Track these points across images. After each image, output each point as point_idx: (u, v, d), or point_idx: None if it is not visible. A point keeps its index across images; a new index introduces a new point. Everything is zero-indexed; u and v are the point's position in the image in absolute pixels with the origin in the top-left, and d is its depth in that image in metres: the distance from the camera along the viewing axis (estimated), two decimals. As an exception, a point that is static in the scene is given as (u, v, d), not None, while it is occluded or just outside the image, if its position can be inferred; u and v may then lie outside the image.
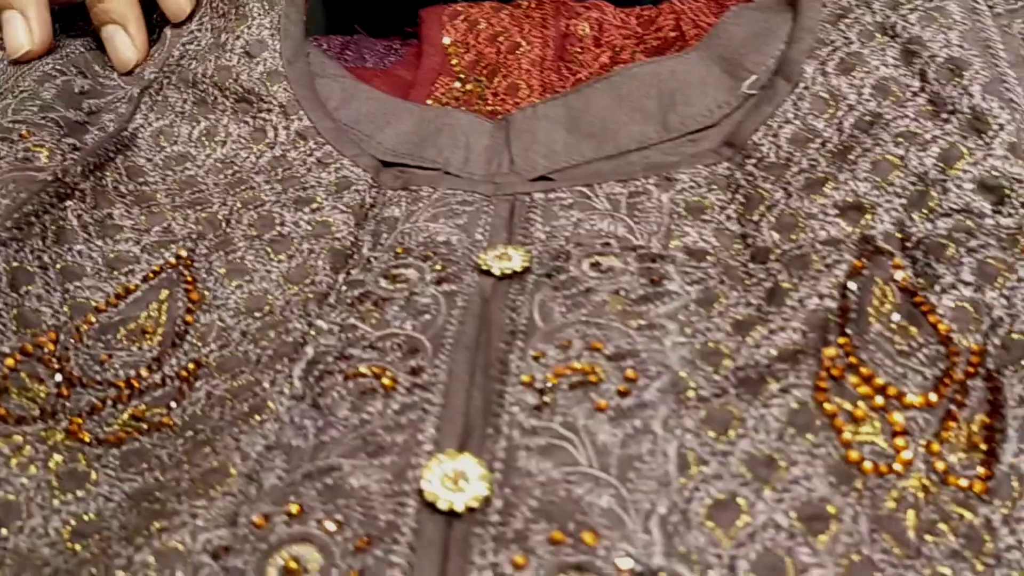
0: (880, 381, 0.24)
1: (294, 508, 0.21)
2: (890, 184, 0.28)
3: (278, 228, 0.33)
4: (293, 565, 0.20)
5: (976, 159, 0.28)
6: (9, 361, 0.27)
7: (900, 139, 0.29)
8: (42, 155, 0.33)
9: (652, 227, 0.30)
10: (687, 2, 0.42)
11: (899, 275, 0.26)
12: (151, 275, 0.31)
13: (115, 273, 0.30)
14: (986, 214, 0.27)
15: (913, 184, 0.28)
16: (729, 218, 0.30)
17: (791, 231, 0.29)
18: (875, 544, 0.21)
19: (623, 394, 0.24)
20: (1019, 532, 0.21)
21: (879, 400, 0.24)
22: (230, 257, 0.31)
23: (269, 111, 0.37)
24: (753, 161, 0.31)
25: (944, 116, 0.29)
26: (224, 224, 0.33)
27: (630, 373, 0.24)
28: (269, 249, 0.32)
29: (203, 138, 0.37)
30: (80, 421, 0.26)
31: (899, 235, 0.27)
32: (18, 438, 0.24)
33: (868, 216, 0.28)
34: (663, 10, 0.42)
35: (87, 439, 0.25)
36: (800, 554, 0.20)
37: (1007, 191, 0.27)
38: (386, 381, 0.25)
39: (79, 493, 0.23)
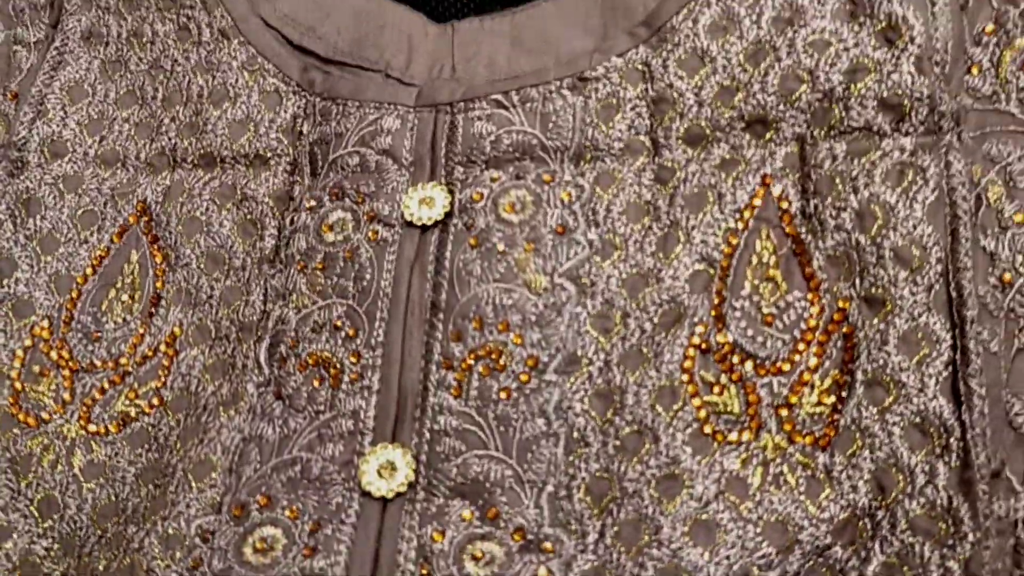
0: (741, 352, 0.27)
1: (263, 500, 0.27)
2: (796, 100, 0.28)
3: (219, 165, 0.34)
4: (262, 545, 0.26)
5: (881, 76, 0.27)
6: (18, 360, 0.31)
7: (812, 48, 0.28)
8: None
9: (565, 136, 0.31)
10: None
11: (787, 224, 0.28)
12: (115, 237, 0.34)
13: (86, 232, 0.34)
14: (885, 133, 0.27)
15: (819, 101, 0.28)
16: (639, 115, 0.30)
17: (698, 142, 0.30)
18: (719, 509, 0.26)
19: (524, 379, 0.28)
20: (855, 478, 0.25)
21: (737, 372, 0.27)
22: (187, 210, 0.34)
23: (192, 7, 0.36)
24: (668, 48, 0.30)
25: (861, 20, 0.28)
26: (171, 156, 0.35)
27: (533, 353, 0.28)
28: (220, 196, 0.34)
29: (131, 38, 0.37)
30: (87, 409, 0.31)
31: (799, 156, 0.28)
32: (44, 439, 0.30)
33: (772, 131, 0.29)
34: None
35: (99, 430, 0.31)
36: (651, 521, 0.25)
37: (907, 109, 0.27)
38: (333, 370, 0.29)
39: (100, 480, 0.30)
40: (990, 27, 0.27)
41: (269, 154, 0.34)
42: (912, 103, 0.27)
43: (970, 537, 0.24)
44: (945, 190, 0.26)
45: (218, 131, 0.34)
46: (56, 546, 0.29)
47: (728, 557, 0.25)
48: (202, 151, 0.35)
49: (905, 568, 0.24)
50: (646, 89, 0.31)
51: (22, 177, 0.34)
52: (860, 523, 0.25)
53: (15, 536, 0.29)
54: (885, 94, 0.27)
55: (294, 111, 0.34)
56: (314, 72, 0.35)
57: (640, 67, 0.31)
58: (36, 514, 0.30)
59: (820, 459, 0.26)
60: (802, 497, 0.26)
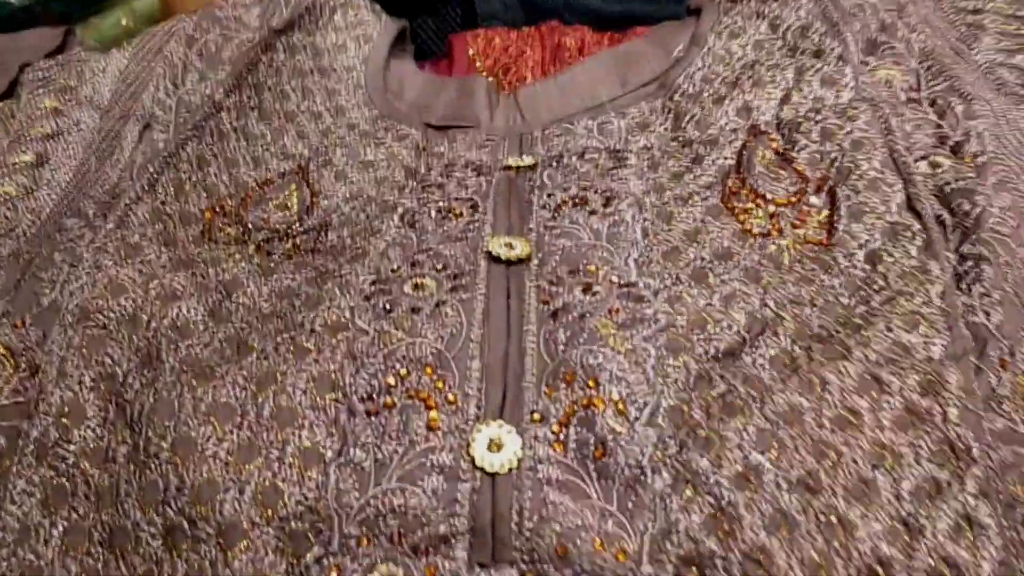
0: (761, 192, 0.39)
1: (412, 263, 0.35)
2: (767, 93, 0.44)
3: (363, 156, 0.47)
4: (419, 287, 0.34)
5: (818, 68, 0.44)
6: (208, 214, 0.41)
7: (770, 70, 0.45)
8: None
9: (615, 138, 0.45)
10: (643, 29, 0.59)
11: (773, 144, 0.41)
12: (280, 175, 0.45)
13: (258, 168, 0.45)
14: (828, 98, 0.42)
15: (781, 91, 0.44)
16: (665, 128, 0.45)
17: (706, 128, 0.44)
18: (763, 267, 0.35)
19: (605, 206, 0.38)
20: (852, 260, 0.35)
21: (760, 201, 0.38)
22: (335, 170, 0.46)
23: (348, 99, 0.52)
24: (678, 93, 0.47)
25: (798, 54, 0.46)
26: (324, 152, 0.47)
27: (608, 196, 0.39)
28: (360, 166, 0.46)
29: (300, 97, 0.51)
30: (263, 246, 0.39)
31: (775, 122, 0.42)
32: (230, 248, 0.38)
33: (754, 113, 0.43)
34: (627, 34, 0.58)
35: (272, 254, 0.39)
36: (715, 270, 0.34)
37: (840, 83, 0.43)
38: (455, 212, 0.39)
39: (275, 276, 0.37)
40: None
41: (398, 152, 0.48)
42: (843, 79, 0.43)
43: (936, 272, 0.33)
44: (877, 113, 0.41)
45: (363, 144, 0.48)
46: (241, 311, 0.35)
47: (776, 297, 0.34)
48: (348, 150, 0.48)
49: (900, 300, 0.33)
50: (667, 115, 0.47)
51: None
52: (861, 284, 0.34)
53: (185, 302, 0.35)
54: (823, 77, 0.44)
55: (418, 142, 0.49)
56: (431, 130, 0.50)
57: (660, 105, 0.47)
58: (224, 291, 0.36)
59: (824, 254, 0.36)
60: (816, 273, 0.35)
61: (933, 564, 0.28)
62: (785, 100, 0.43)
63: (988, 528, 0.28)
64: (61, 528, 0.29)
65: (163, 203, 0.40)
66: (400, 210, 0.41)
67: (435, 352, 0.32)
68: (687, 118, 0.45)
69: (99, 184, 0.44)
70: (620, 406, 0.30)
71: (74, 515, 0.29)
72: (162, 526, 0.28)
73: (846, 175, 0.39)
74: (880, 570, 0.28)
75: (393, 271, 0.36)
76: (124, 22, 1.11)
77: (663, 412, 0.30)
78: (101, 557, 0.29)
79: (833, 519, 0.28)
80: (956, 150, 0.40)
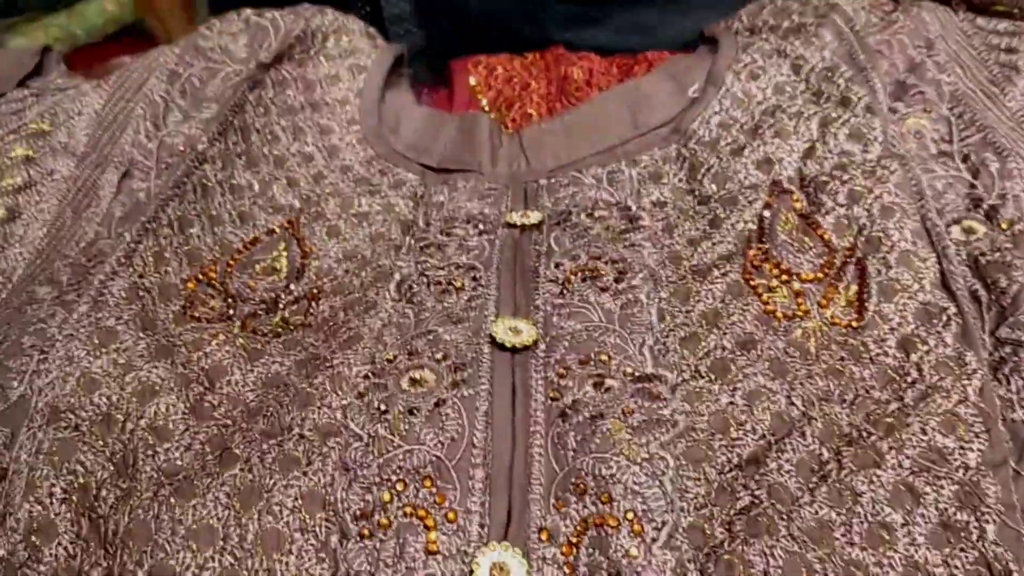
0: (785, 266, 0.36)
1: (409, 352, 0.33)
2: (790, 145, 0.41)
3: (357, 208, 0.44)
4: (416, 382, 0.31)
5: (845, 119, 0.41)
6: (191, 284, 0.38)
7: (792, 118, 0.42)
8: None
9: (626, 191, 0.42)
10: (653, 55, 0.55)
11: (797, 205, 0.39)
12: (268, 232, 0.42)
13: (244, 225, 0.42)
14: (855, 153, 0.40)
15: (805, 143, 0.41)
16: (680, 180, 0.42)
17: (724, 182, 0.41)
18: (788, 358, 0.32)
19: (618, 280, 0.36)
20: (884, 346, 0.33)
21: (784, 277, 0.36)
22: (327, 225, 0.43)
23: (342, 136, 0.49)
24: (693, 140, 0.44)
25: (822, 101, 0.43)
26: (316, 203, 0.45)
27: (621, 268, 0.36)
28: (355, 220, 0.43)
29: (291, 138, 0.48)
30: (248, 322, 0.37)
31: (798, 178, 0.40)
32: (213, 328, 0.36)
33: (776, 167, 0.40)
34: (637, 59, 0.55)
35: (258, 332, 0.36)
36: (738, 362, 0.32)
37: (868, 137, 0.40)
38: (456, 284, 0.37)
39: (262, 360, 0.35)
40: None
41: (395, 203, 0.45)
42: (871, 132, 0.40)
43: (973, 364, 0.31)
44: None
45: (358, 193, 0.45)
46: (225, 403, 0.32)
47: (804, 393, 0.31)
48: (342, 200, 0.45)
49: (936, 397, 0.30)
50: (681, 165, 0.44)
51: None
52: (893, 375, 0.32)
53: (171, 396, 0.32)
54: (851, 130, 0.41)
55: (416, 190, 0.46)
56: (429, 174, 0.47)
57: (674, 153, 0.44)
58: (207, 381, 0.33)
59: (853, 339, 0.33)
60: (845, 363, 0.32)
61: None
62: (809, 154, 0.41)
63: None
64: None
65: (141, 276, 0.37)
66: (397, 277, 0.38)
67: (434, 460, 0.30)
68: (703, 169, 0.42)
69: (75, 240, 0.41)
70: (636, 525, 0.28)
71: None
72: None
73: (876, 246, 0.36)
74: None
75: (389, 361, 0.33)
76: (108, 7, 1.07)
77: (682, 532, 0.28)
78: None
79: None
80: (991, 215, 0.38)
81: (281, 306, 0.38)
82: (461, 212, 0.43)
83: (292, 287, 0.39)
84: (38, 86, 0.53)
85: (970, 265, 0.36)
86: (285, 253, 0.42)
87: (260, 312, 0.38)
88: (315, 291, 0.39)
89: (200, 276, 0.39)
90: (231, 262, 0.40)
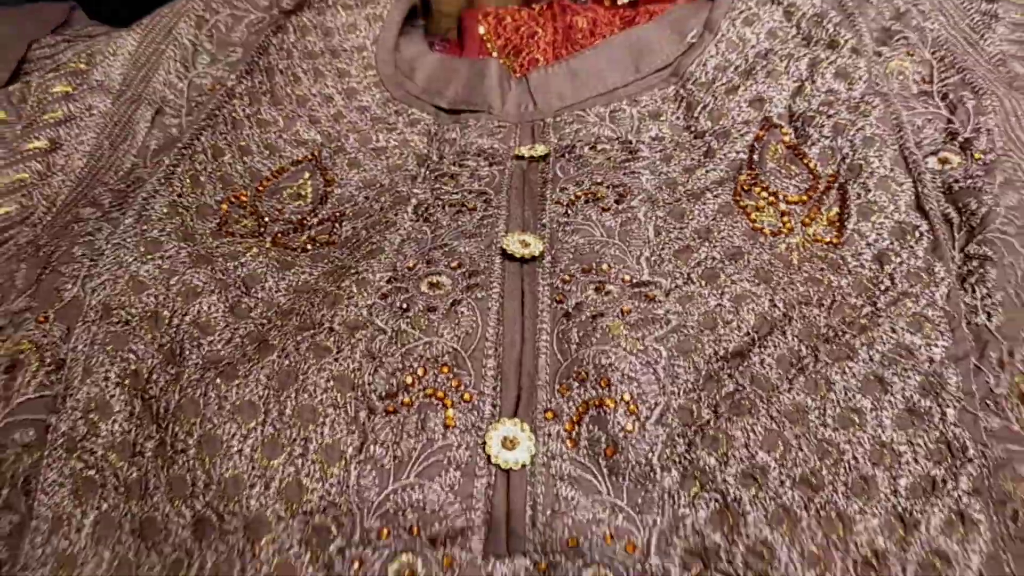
0: (772, 190, 0.39)
1: (428, 261, 0.36)
2: (780, 84, 0.44)
3: (375, 143, 0.48)
4: (435, 285, 0.35)
5: (832, 60, 0.44)
6: (224, 206, 0.41)
7: (784, 60, 0.45)
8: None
9: (627, 128, 0.45)
10: (654, 5, 0.58)
11: (785, 138, 0.42)
12: (294, 163, 0.45)
13: (271, 156, 0.45)
14: (841, 91, 0.43)
15: (795, 83, 0.44)
16: (678, 118, 0.45)
17: (719, 119, 0.44)
18: (772, 267, 0.36)
19: (618, 202, 0.39)
20: (861, 259, 0.36)
21: (771, 199, 0.39)
22: (347, 158, 0.46)
23: (360, 80, 0.52)
24: (691, 82, 0.47)
25: (812, 44, 0.45)
26: (336, 139, 0.48)
27: (621, 191, 0.39)
28: (373, 153, 0.47)
29: (312, 80, 0.52)
30: (278, 238, 0.40)
31: (787, 114, 0.43)
32: (248, 242, 0.39)
33: (767, 104, 0.43)
34: (639, 11, 0.58)
35: (287, 247, 0.39)
36: (726, 270, 0.35)
37: (853, 76, 0.43)
38: (469, 206, 0.40)
39: (292, 270, 0.38)
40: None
41: (410, 139, 0.48)
42: (856, 71, 0.43)
43: (941, 274, 0.34)
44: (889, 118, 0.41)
45: (376, 130, 0.49)
46: (261, 307, 0.36)
47: (785, 298, 0.34)
48: (361, 136, 0.48)
49: (906, 301, 0.34)
50: (679, 104, 0.47)
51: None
52: (868, 284, 0.35)
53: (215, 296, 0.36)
54: (837, 69, 0.44)
55: (430, 127, 0.49)
56: (442, 115, 0.50)
57: (673, 93, 0.47)
58: (243, 287, 0.37)
59: (833, 253, 0.36)
60: (824, 273, 0.36)
61: (925, 556, 0.29)
62: (798, 92, 0.43)
63: (979, 523, 0.29)
64: (92, 517, 0.30)
65: (179, 196, 0.40)
66: (414, 202, 0.42)
67: (451, 351, 0.33)
68: (699, 108, 0.45)
69: (113, 170, 0.44)
70: (631, 406, 0.31)
71: (104, 505, 0.31)
72: (191, 518, 0.30)
73: (857, 172, 0.39)
74: (875, 562, 0.29)
75: (409, 268, 0.37)
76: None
77: (673, 412, 0.31)
78: (132, 546, 0.30)
79: (833, 514, 0.29)
80: (966, 147, 0.41)
81: (307, 226, 0.41)
82: (472, 147, 0.46)
83: (317, 211, 0.42)
84: (69, 34, 0.56)
85: (944, 191, 0.39)
86: (310, 182, 0.45)
87: (289, 231, 0.41)
88: (338, 214, 0.42)
89: (232, 199, 0.42)
90: (260, 188, 0.43)
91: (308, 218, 0.42)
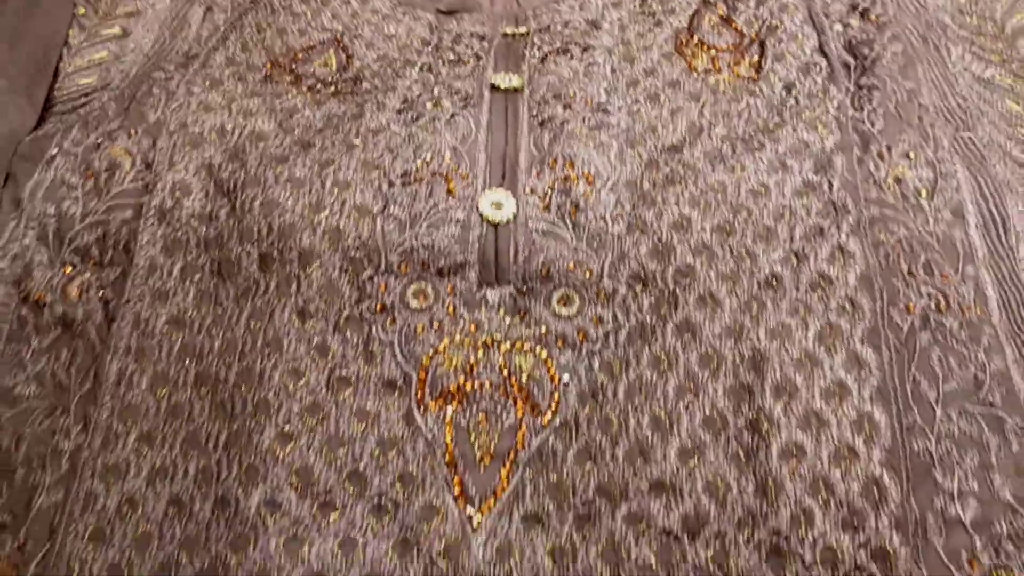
0: (707, 43, 0.49)
1: (431, 92, 0.46)
2: None
3: (386, 32, 0.57)
4: (437, 106, 0.45)
5: None
6: (268, 66, 0.51)
7: None
8: None
9: (593, 13, 0.55)
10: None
11: (719, 11, 0.52)
12: (321, 43, 0.55)
13: (303, 37, 0.55)
14: None
15: None
16: (634, 5, 0.55)
17: (667, 2, 0.54)
18: (702, 92, 0.45)
19: (583, 53, 0.49)
20: (773, 88, 0.46)
21: (706, 48, 0.49)
22: (364, 41, 0.56)
23: None
24: None
25: None
26: (354, 29, 0.57)
27: (584, 47, 0.49)
28: (385, 37, 0.56)
29: None
30: (311, 89, 0.50)
31: None
32: (288, 87, 0.49)
33: None
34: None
35: (320, 93, 0.49)
36: (666, 92, 0.45)
37: None
38: (464, 60, 0.50)
39: (324, 107, 0.47)
40: None
41: (414, 27, 0.58)
42: None
43: (834, 92, 0.44)
44: None
45: (385, 20, 0.58)
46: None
47: (711, 110, 0.44)
48: (373, 26, 0.58)
49: (805, 112, 0.43)
50: None
51: None
52: (777, 104, 0.45)
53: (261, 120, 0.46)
54: None
55: (430, 21, 0.59)
56: (441, 16, 0.60)
57: None
58: (288, 115, 0.46)
59: (752, 85, 0.46)
60: (743, 96, 0.45)
61: (814, 278, 0.39)
62: None
63: (855, 254, 0.39)
64: (180, 265, 0.40)
65: (233, 54, 0.50)
66: (419, 62, 0.51)
67: (452, 148, 0.43)
68: None
69: (174, 52, 0.54)
70: (589, 179, 0.41)
71: (188, 256, 0.40)
72: (258, 255, 0.39)
73: (773, 30, 0.49)
74: (774, 282, 0.39)
75: (417, 96, 0.46)
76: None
77: (622, 184, 0.41)
78: (212, 280, 0.40)
79: (742, 250, 0.39)
80: (864, 13, 0.51)
81: (334, 82, 0.51)
82: (467, 32, 0.56)
83: (342, 73, 0.52)
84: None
85: (845, 47, 0.49)
86: (334, 56, 0.55)
87: (319, 85, 0.51)
88: (358, 76, 0.52)
89: (273, 62, 0.52)
90: (296, 58, 0.53)
91: (334, 77, 0.52)
